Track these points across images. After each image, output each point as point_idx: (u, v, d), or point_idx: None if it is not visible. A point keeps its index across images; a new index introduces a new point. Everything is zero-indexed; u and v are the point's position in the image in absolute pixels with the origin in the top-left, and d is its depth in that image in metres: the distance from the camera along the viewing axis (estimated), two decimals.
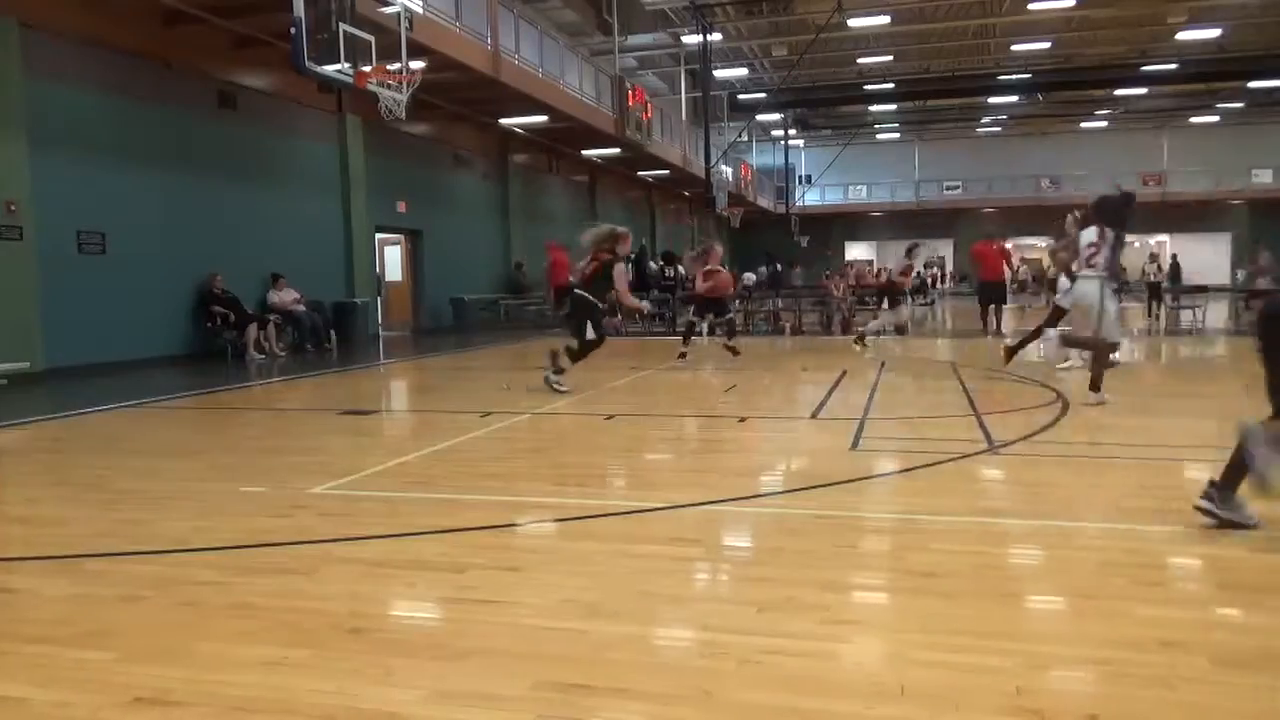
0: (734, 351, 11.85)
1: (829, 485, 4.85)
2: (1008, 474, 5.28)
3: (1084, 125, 41.51)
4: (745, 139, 36.72)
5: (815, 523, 4.22)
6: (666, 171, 29.02)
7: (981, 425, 6.64)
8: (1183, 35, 27.20)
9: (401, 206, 18.82)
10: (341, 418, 8.00)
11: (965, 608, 3.12)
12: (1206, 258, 37.07)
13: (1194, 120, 40.08)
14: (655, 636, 2.98)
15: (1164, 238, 38.23)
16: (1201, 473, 5.40)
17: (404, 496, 4.91)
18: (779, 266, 30.45)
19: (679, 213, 36.68)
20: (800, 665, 2.67)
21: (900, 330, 15.67)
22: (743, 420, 7.40)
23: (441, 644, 2.90)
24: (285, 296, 14.45)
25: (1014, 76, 31.44)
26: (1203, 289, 20.85)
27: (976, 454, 5.64)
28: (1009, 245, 16.26)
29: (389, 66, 11.56)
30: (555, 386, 8.77)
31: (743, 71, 31.00)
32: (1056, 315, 9.70)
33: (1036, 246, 37.35)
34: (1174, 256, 30.10)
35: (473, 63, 15.67)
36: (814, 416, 7.52)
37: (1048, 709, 2.38)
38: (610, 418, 7.48)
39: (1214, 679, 2.54)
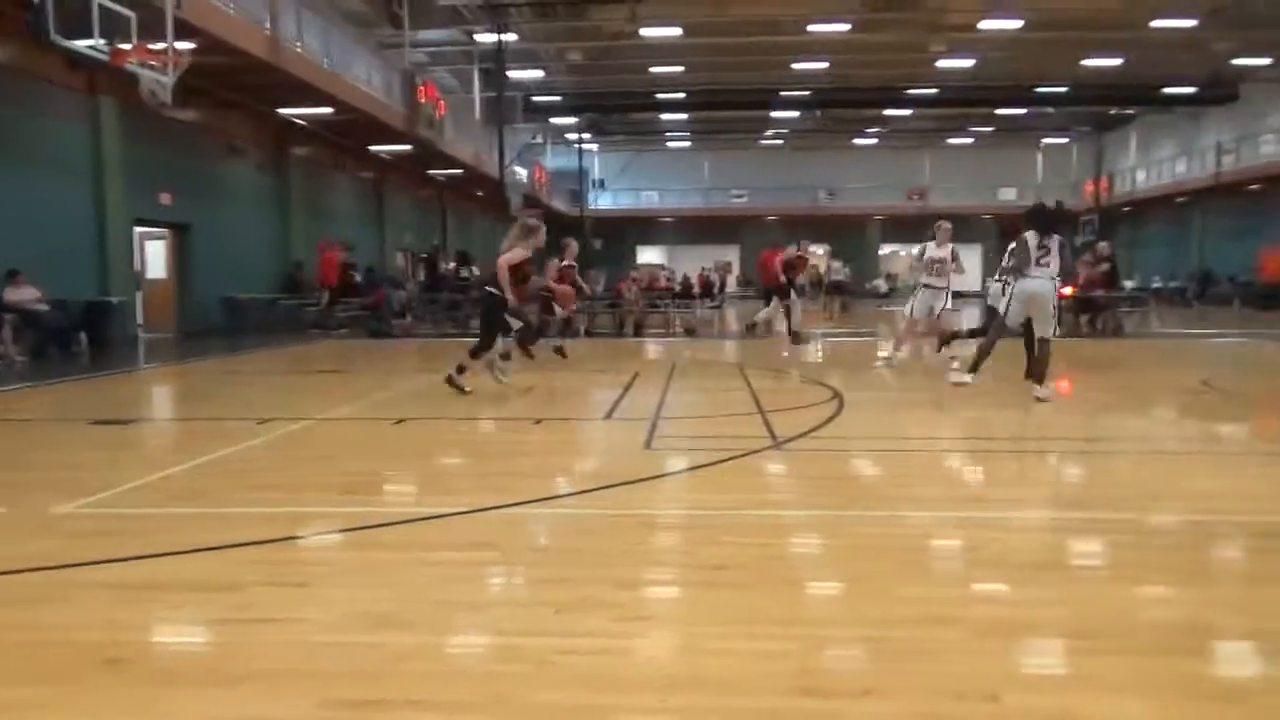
0: (562, 354, 11.82)
1: (623, 484, 4.91)
2: (790, 468, 5.55)
3: (857, 142, 44.66)
4: (540, 141, 36.78)
5: (610, 522, 4.26)
6: (460, 171, 28.53)
7: (766, 423, 6.96)
8: (942, 64, 29.82)
9: (166, 198, 17.37)
10: (93, 428, 7.26)
11: (753, 597, 3.24)
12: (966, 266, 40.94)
13: (951, 141, 44.11)
14: (450, 645, 2.90)
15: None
16: (959, 461, 5.95)
17: (168, 513, 4.52)
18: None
19: (471, 213, 36.18)
20: (596, 663, 2.68)
21: (759, 327, 15.88)
22: (538, 422, 7.38)
23: (214, 669, 2.68)
24: (24, 294, 12.93)
25: (795, 93, 33.33)
26: (959, 295, 22.95)
27: (762, 450, 5.90)
28: (804, 251, 17.31)
29: (152, 46, 10.65)
30: (499, 376, 8.85)
31: (538, 74, 31.01)
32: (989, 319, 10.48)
33: (814, 254, 39.77)
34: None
35: (248, 47, 14.73)
36: (608, 417, 7.62)
37: (828, 687, 2.52)
38: (400, 422, 7.24)
39: (974, 649, 2.78)
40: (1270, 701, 2.50)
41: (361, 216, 26.37)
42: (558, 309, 12.44)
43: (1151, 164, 38.57)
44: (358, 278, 20.85)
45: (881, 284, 42.25)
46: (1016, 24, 25.05)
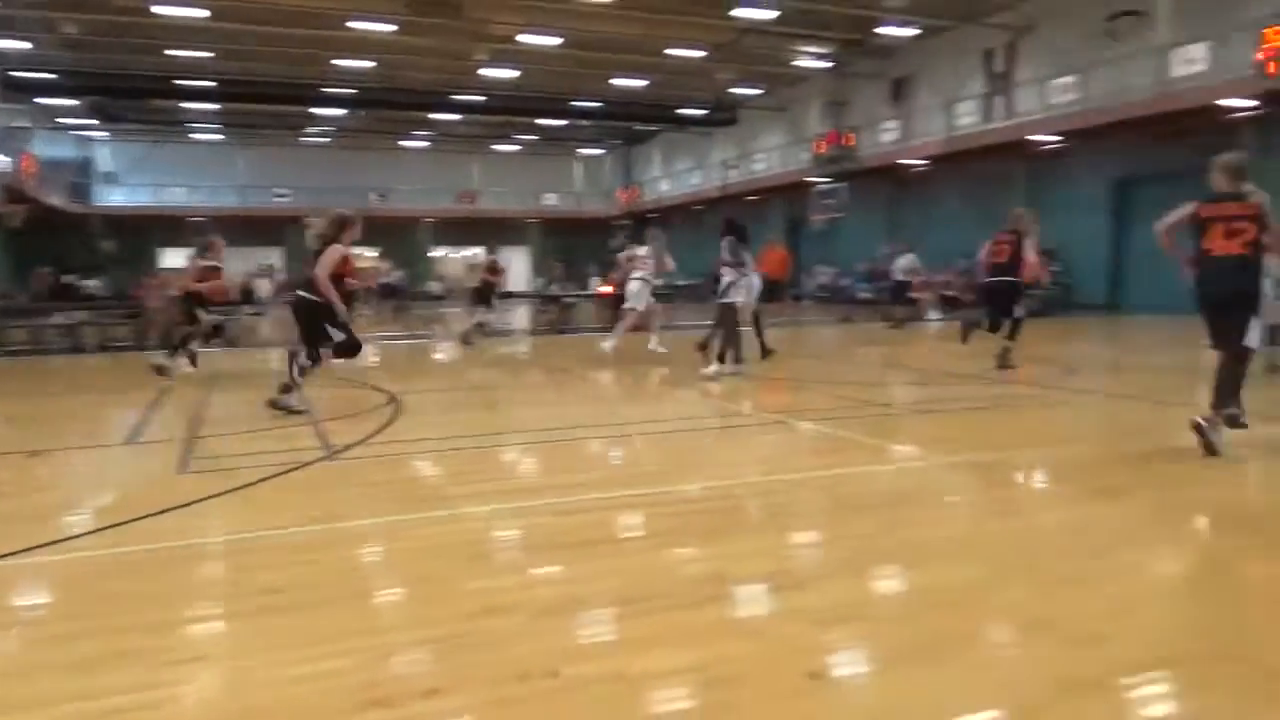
0: (163, 371, 9.99)
1: (154, 515, 4.34)
2: (346, 477, 5.33)
3: (407, 144, 44.43)
4: (27, 125, 31.27)
5: (140, 559, 3.75)
6: None
7: (319, 433, 6.62)
8: (486, 72, 30.77)
9: None
10: None
11: (312, 617, 3.05)
12: (512, 268, 42.76)
13: (498, 148, 45.77)
14: None
15: (479, 250, 42.93)
16: (515, 454, 6.16)
17: None
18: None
19: None
20: None
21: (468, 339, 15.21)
22: (35, 454, 6.18)
23: None
24: None
25: (339, 90, 32.20)
26: (510, 295, 24.02)
27: (314, 462, 5.59)
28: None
29: None
30: (290, 406, 7.34)
31: (23, 45, 26.26)
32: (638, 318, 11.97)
33: (364, 256, 38.82)
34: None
35: None
36: (131, 442, 6.68)
37: (394, 694, 2.45)
38: None
39: (534, 630, 2.88)
40: (786, 630, 2.92)
41: None
42: (202, 314, 10.55)
43: (673, 175, 43.65)
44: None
45: (435, 286, 42.53)
46: (555, 40, 26.69)
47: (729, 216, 11.00)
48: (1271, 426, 6.84)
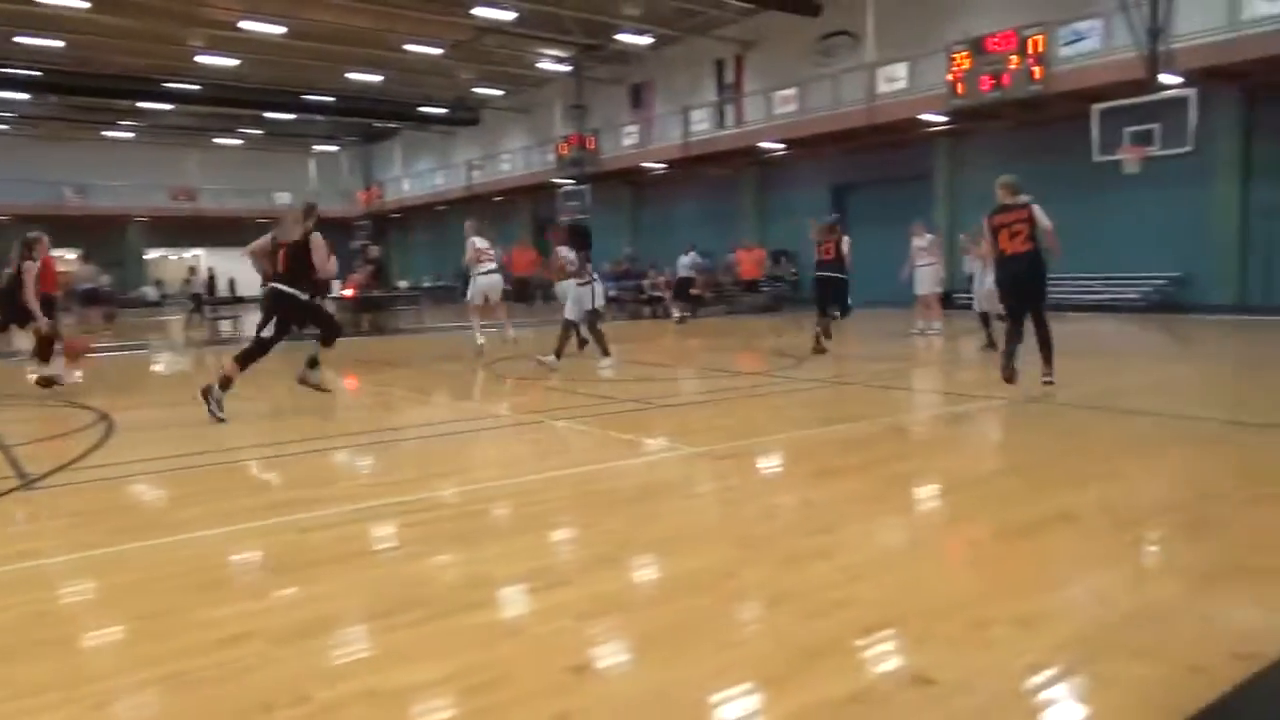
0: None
1: None
2: (49, 508, 4.71)
3: (110, 134, 40.06)
4: None
5: None
6: None
7: (12, 460, 5.81)
8: (202, 59, 28.40)
9: None
10: None
11: (12, 668, 2.66)
12: (240, 271, 39.68)
13: (220, 141, 42.37)
14: None
15: (199, 251, 39.53)
16: (252, 470, 5.73)
17: None
18: None
19: None
20: None
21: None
22: None
23: None
24: None
25: (22, 72, 28.46)
26: (240, 300, 22.30)
27: (8, 493, 4.90)
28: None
29: None
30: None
31: None
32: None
33: (64, 259, 34.64)
34: (210, 270, 31.32)
35: None
36: None
37: None
38: None
39: (278, 656, 2.67)
40: (547, 627, 2.91)
41: None
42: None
43: (415, 175, 42.42)
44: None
45: (150, 291, 38.78)
46: (278, 29, 25.12)
47: (570, 224, 11.51)
48: (969, 403, 7.73)
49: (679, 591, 3.26)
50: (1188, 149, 15.00)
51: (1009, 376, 7.43)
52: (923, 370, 10.77)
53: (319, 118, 37.94)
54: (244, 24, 24.53)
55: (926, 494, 4.78)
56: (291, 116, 37.34)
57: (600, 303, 10.59)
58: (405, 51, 28.02)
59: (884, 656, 2.65)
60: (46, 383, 9.19)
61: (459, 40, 26.95)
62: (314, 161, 46.40)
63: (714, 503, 4.70)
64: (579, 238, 10.59)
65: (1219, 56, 16.47)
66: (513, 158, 35.35)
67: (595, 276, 10.37)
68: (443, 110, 35.67)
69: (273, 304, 7.39)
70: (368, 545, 3.97)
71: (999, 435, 6.61)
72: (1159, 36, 15.70)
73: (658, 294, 23.03)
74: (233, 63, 28.76)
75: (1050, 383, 7.46)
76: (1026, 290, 7.48)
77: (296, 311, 7.47)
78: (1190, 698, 2.28)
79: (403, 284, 34.11)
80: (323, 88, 32.66)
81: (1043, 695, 2.36)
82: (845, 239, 11.98)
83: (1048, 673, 2.47)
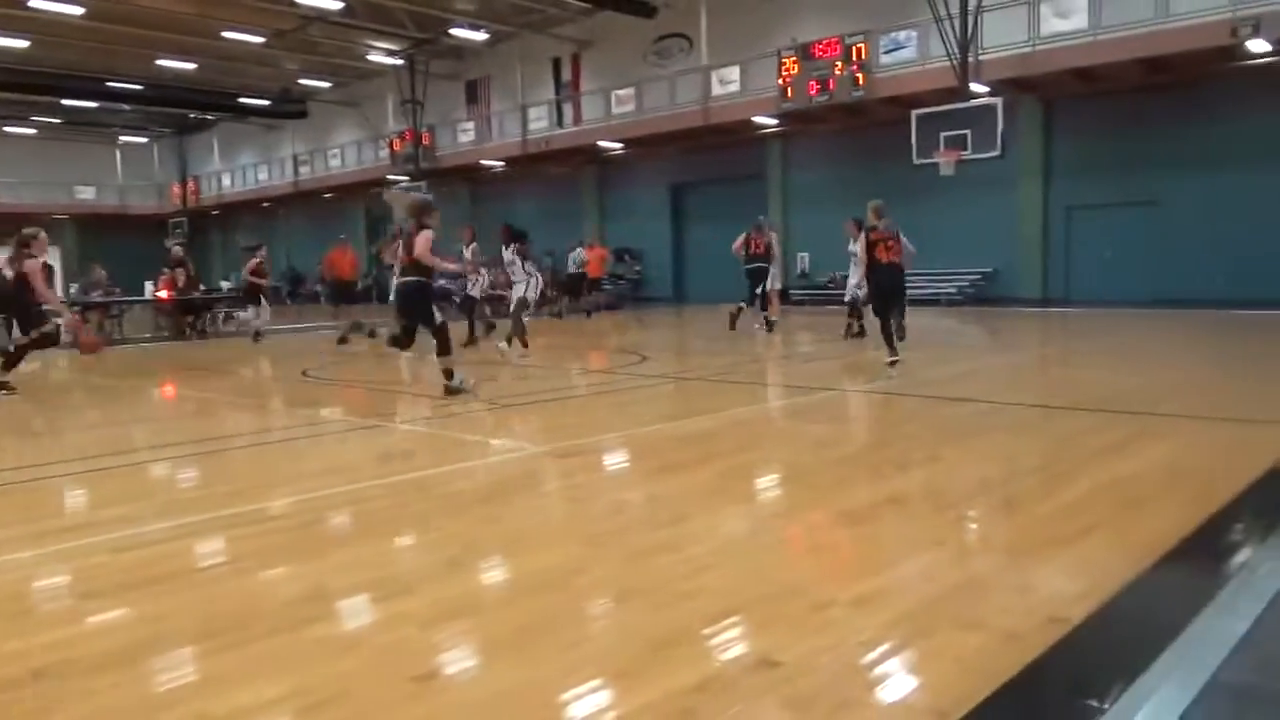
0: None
1: None
2: None
3: None
4: None
5: None
6: None
7: None
8: None
9: None
10: None
11: None
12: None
13: (10, 130, 38.69)
14: None
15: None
16: (54, 488, 5.27)
17: None
18: None
19: None
20: None
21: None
22: None
23: None
24: None
25: None
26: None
27: None
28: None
29: None
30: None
31: None
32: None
33: None
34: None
35: None
36: None
37: None
38: None
39: (87, 688, 2.46)
40: (390, 637, 2.80)
41: None
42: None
43: (236, 169, 40.08)
44: None
45: None
46: (75, 9, 23.15)
47: (507, 224, 12.35)
48: (806, 395, 8.03)
49: (526, 592, 3.22)
50: (996, 153, 16.16)
51: (894, 358, 8.89)
52: (763, 364, 11.13)
53: (124, 107, 35.18)
54: (35, 3, 22.47)
55: (766, 484, 4.93)
56: (94, 104, 34.52)
57: (534, 295, 11.84)
58: (223, 39, 26.46)
59: (730, 643, 2.71)
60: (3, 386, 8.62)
61: (282, 29, 25.69)
62: (119, 153, 43.07)
63: (560, 501, 4.68)
64: (517, 237, 11.71)
65: (1021, 68, 17.85)
66: (342, 153, 34.04)
67: (533, 271, 11.66)
68: (265, 102, 33.78)
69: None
70: (192, 563, 3.72)
71: (834, 425, 6.90)
72: (968, 48, 16.83)
73: (497, 294, 22.77)
74: (21, 44, 26.30)
75: (894, 362, 8.80)
76: (896, 294, 9.31)
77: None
78: (1009, 663, 2.44)
79: (226, 285, 32.29)
80: (129, 74, 30.34)
81: (878, 670, 2.48)
82: (774, 236, 14.64)
83: (882, 648, 2.59)
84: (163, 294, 17.39)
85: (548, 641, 2.72)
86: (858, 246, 14.07)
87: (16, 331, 8.79)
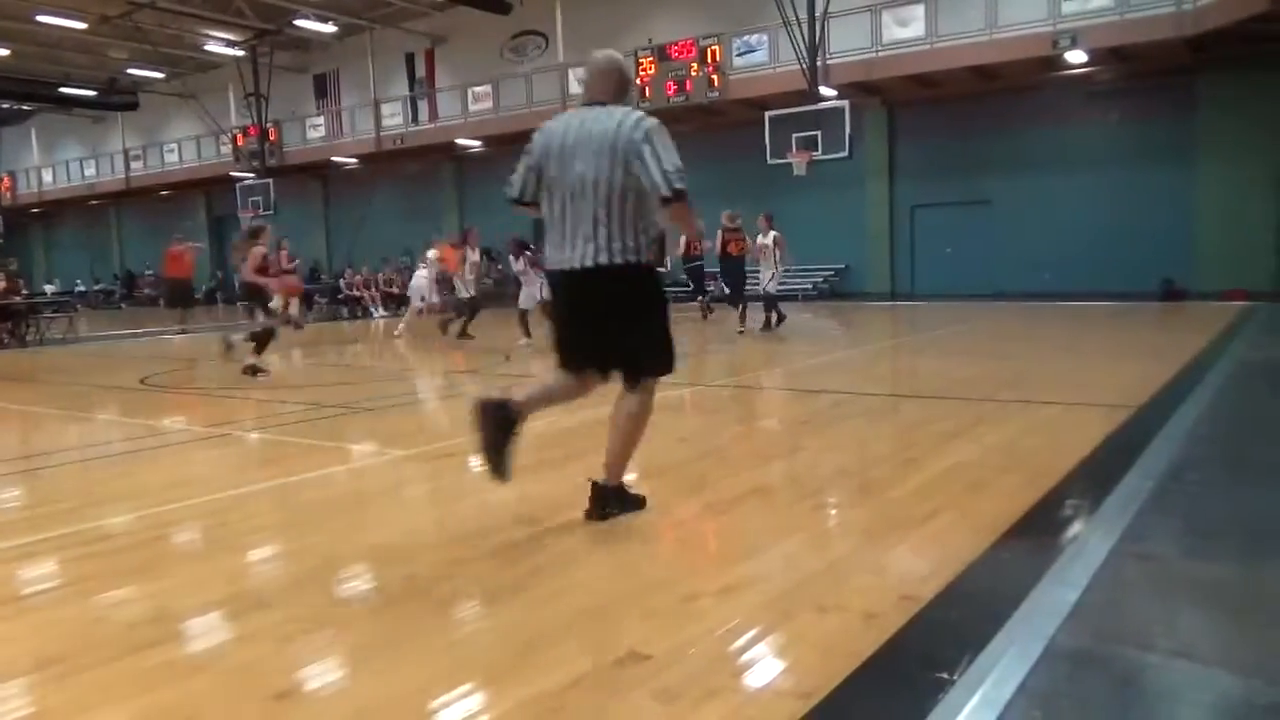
0: None
1: None
2: None
3: None
4: None
5: None
6: None
7: None
8: None
9: None
10: None
11: None
12: None
13: None
14: None
15: None
16: None
17: None
18: None
19: None
20: None
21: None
22: None
23: None
24: None
25: None
26: None
27: None
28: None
29: None
30: None
31: None
32: None
33: None
34: None
35: None
36: None
37: None
38: None
39: None
40: (245, 655, 2.67)
41: None
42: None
43: (59, 164, 37.22)
44: None
45: None
46: None
47: (517, 238, 13.34)
48: (678, 390, 8.11)
49: (392, 600, 3.13)
50: (844, 154, 16.84)
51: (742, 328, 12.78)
52: None
53: None
54: None
55: (631, 480, 4.97)
56: None
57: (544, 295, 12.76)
58: (38, 24, 24.54)
59: (600, 639, 2.72)
60: (252, 370, 9.42)
61: (107, 15, 24.04)
62: None
63: (426, 505, 4.58)
64: (525, 247, 13.02)
65: (865, 73, 18.66)
66: (180, 147, 32.16)
67: (542, 275, 12.26)
68: (91, 92, 31.50)
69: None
70: (18, 588, 3.44)
71: (699, 418, 7.03)
72: (816, 53, 17.46)
73: (355, 294, 22.08)
74: None
75: (743, 332, 12.56)
76: (738, 279, 13.41)
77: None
78: (867, 642, 2.55)
79: (50, 288, 30.06)
80: None
81: (745, 657, 2.54)
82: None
83: (748, 636, 2.66)
84: None
85: (415, 649, 2.66)
86: (769, 240, 14.81)
87: (260, 315, 10.16)
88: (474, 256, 13.68)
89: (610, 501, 3.87)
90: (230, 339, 11.31)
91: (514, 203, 3.97)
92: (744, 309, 13.35)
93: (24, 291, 19.28)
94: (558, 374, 3.88)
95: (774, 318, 13.35)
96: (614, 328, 3.69)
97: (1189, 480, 4.29)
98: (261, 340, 9.59)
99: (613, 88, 3.81)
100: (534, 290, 12.45)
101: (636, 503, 3.99)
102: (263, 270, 9.99)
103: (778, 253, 13.12)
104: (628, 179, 3.59)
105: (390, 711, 2.31)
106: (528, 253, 12.87)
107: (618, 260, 3.59)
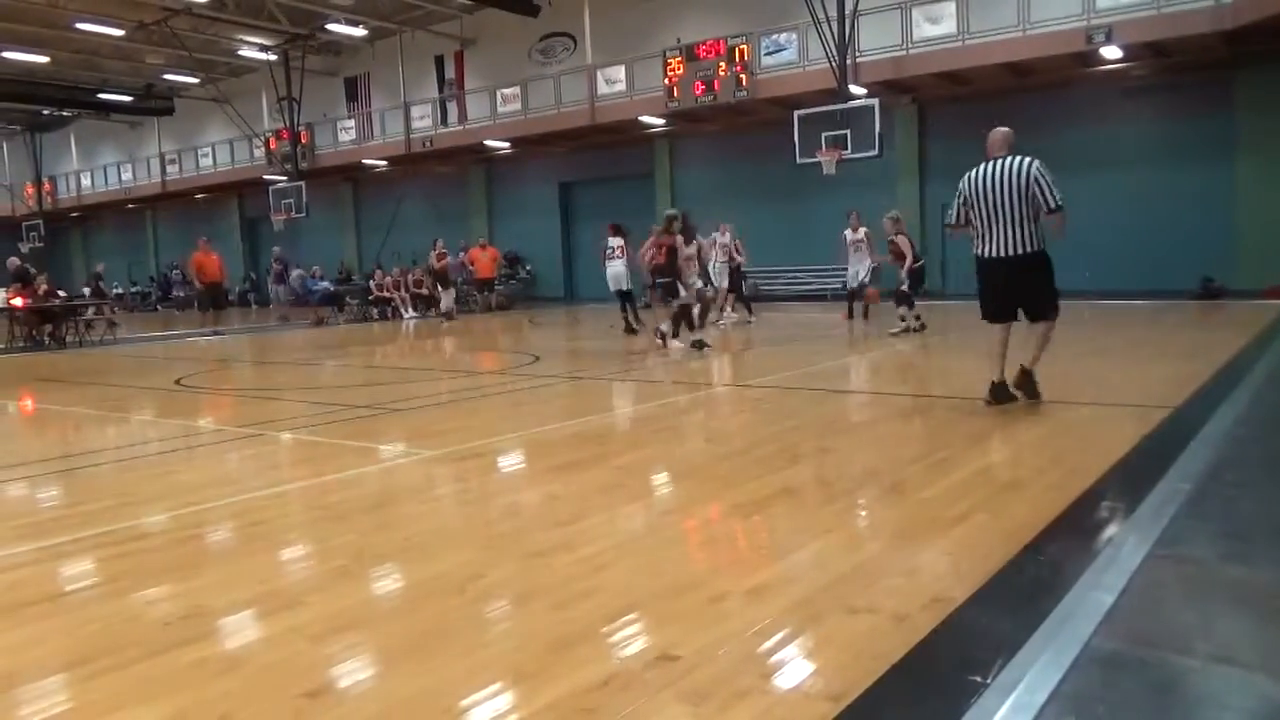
0: None
1: None
2: None
3: None
4: None
5: None
6: None
7: None
8: None
9: None
10: None
11: None
12: None
13: None
14: None
15: None
16: None
17: None
18: None
19: None
20: None
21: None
22: None
23: None
24: None
25: None
26: None
27: None
28: None
29: None
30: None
31: None
32: None
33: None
34: None
35: None
36: None
37: None
38: None
39: None
40: (277, 654, 2.69)
41: None
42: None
43: (97, 169, 37.84)
44: None
45: None
46: None
47: (614, 223, 14.08)
48: (696, 391, 8.12)
49: (422, 599, 3.15)
50: (875, 153, 16.71)
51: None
52: (655, 362, 11.19)
53: None
54: None
55: (660, 481, 4.96)
56: None
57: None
58: (77, 31, 24.97)
59: (629, 640, 2.71)
60: (700, 345, 10.81)
61: (144, 21, 24.41)
62: None
63: (455, 505, 4.60)
64: (620, 230, 13.73)
65: (895, 71, 18.50)
66: (214, 151, 32.56)
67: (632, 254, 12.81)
68: (128, 98, 31.96)
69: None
70: (56, 587, 3.49)
71: (726, 420, 7.00)
72: (846, 51, 17.35)
73: (386, 295, 22.24)
74: None
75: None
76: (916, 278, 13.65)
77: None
78: (897, 644, 2.52)
79: (87, 291, 30.54)
80: None
81: (774, 658, 2.52)
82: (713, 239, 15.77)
83: (777, 637, 2.64)
84: (17, 301, 16.31)
85: (446, 648, 2.67)
86: (860, 235, 15.34)
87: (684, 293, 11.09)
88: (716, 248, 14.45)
89: (1030, 379, 6.15)
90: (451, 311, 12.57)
91: (949, 226, 6.35)
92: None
93: (61, 293, 19.62)
94: (993, 329, 6.23)
95: (909, 316, 13.45)
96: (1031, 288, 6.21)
97: (1227, 482, 4.21)
98: (681, 319, 11.13)
99: (1009, 147, 6.32)
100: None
101: (1037, 392, 6.17)
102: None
103: (867, 246, 14.35)
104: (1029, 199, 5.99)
105: (420, 710, 2.32)
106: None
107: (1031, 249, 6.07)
